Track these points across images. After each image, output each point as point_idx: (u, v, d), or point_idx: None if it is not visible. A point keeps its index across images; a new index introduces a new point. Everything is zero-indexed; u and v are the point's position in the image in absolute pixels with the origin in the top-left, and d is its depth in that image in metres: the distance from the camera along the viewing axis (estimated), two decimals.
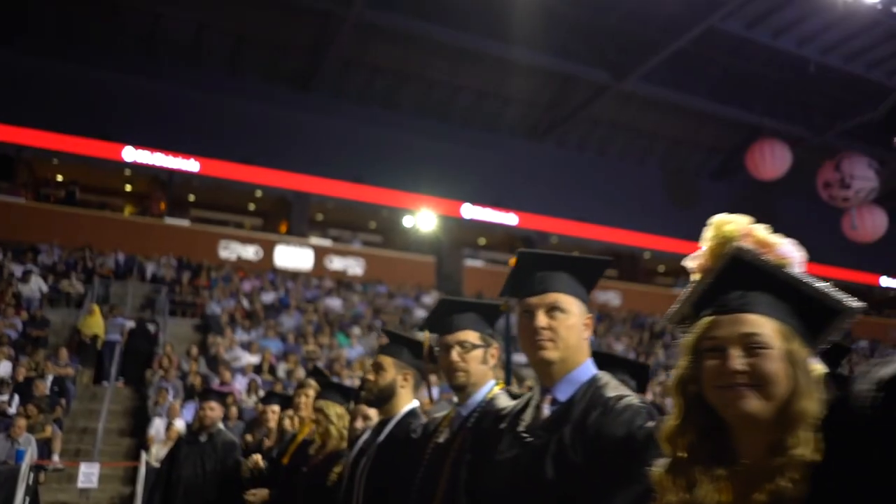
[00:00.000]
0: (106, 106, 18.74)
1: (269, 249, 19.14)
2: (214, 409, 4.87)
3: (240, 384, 11.16)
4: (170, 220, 18.58)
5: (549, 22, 18.11)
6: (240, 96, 20.21)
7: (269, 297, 16.16)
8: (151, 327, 13.24)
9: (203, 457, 4.67)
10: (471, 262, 22.17)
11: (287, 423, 4.04)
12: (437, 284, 20.37)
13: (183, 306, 15.34)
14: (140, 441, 10.14)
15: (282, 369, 12.20)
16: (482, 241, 24.76)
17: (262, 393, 10.74)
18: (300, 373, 11.96)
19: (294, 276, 18.28)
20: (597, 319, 20.18)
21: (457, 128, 22.60)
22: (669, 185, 25.77)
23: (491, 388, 2.23)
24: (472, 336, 2.23)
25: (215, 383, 11.15)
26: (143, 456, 9.03)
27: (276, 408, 4.67)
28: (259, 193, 20.72)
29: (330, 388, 3.37)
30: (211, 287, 16.09)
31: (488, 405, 2.13)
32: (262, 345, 12.88)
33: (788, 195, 26.77)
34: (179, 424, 9.59)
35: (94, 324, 12.43)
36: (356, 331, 14.78)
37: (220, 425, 5.03)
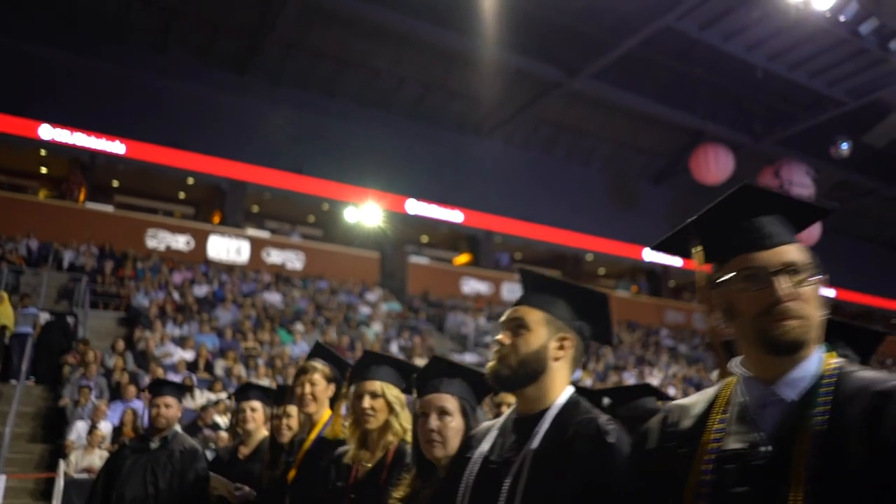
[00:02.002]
0: (21, 79, 17.07)
1: (201, 240, 17.82)
2: (170, 407, 3.82)
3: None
4: (91, 206, 17.01)
5: (501, 14, 17.59)
6: (172, 77, 18.84)
7: (201, 290, 14.95)
8: (70, 320, 11.88)
9: (155, 469, 3.66)
10: (415, 259, 21.41)
11: (285, 423, 3.14)
12: (381, 281, 19.50)
13: (105, 298, 13.97)
14: (55, 448, 8.89)
15: (219, 366, 11.12)
16: (425, 238, 24.04)
17: (199, 393, 9.69)
18: (239, 370, 10.95)
19: (229, 268, 17.05)
20: None
21: (401, 120, 21.83)
22: (612, 188, 25.78)
23: None
24: None
25: (145, 381, 9.98)
26: (61, 465, 7.85)
27: (257, 404, 3.65)
28: (191, 181, 19.32)
29: (377, 363, 2.44)
30: (137, 278, 14.74)
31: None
32: (198, 340, 11.74)
33: None
34: (105, 428, 8.44)
35: (2, 314, 10.99)
36: (299, 327, 13.79)
37: (178, 427, 4.03)
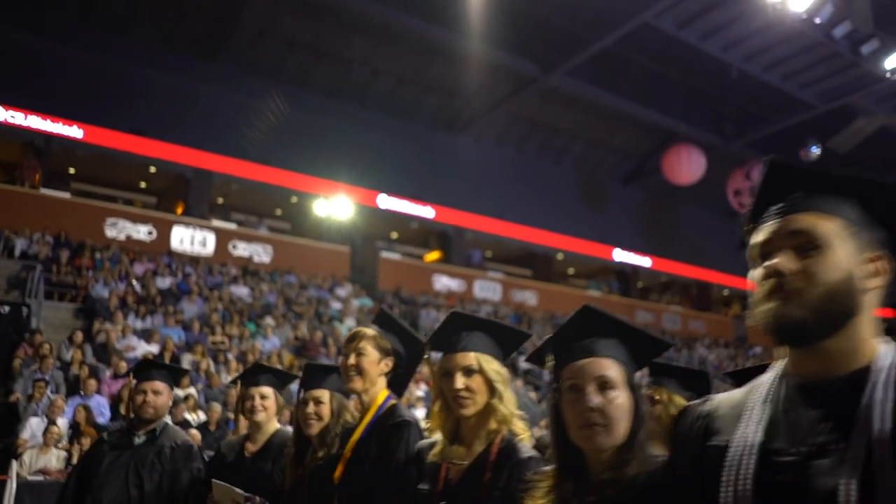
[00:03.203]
0: None
1: (164, 230, 17.01)
2: (160, 393, 3.21)
3: None
4: (46, 192, 16.09)
5: (479, 7, 17.25)
6: (135, 60, 18.00)
7: (164, 281, 14.22)
8: (23, 310, 11.10)
9: (140, 469, 3.07)
10: (387, 255, 20.91)
11: (313, 411, 2.59)
12: (351, 276, 18.95)
13: (61, 288, 13.16)
14: (6, 447, 8.18)
15: (187, 360, 10.48)
16: (394, 234, 23.56)
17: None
18: (208, 364, 10.36)
19: (194, 260, 16.32)
20: (515, 319, 19.54)
21: (374, 113, 21.33)
22: (583, 187, 25.70)
23: None
24: None
25: (106, 375, 9.34)
26: (14, 466, 7.18)
27: (268, 390, 3.07)
28: (153, 169, 18.48)
29: (469, 329, 1.92)
30: (95, 268, 13.95)
31: None
32: (163, 333, 11.07)
33: (691, 203, 27.45)
34: (62, 424, 7.80)
35: None
36: (269, 321, 13.19)
37: (168, 419, 3.44)
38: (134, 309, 12.15)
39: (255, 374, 3.19)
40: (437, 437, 1.97)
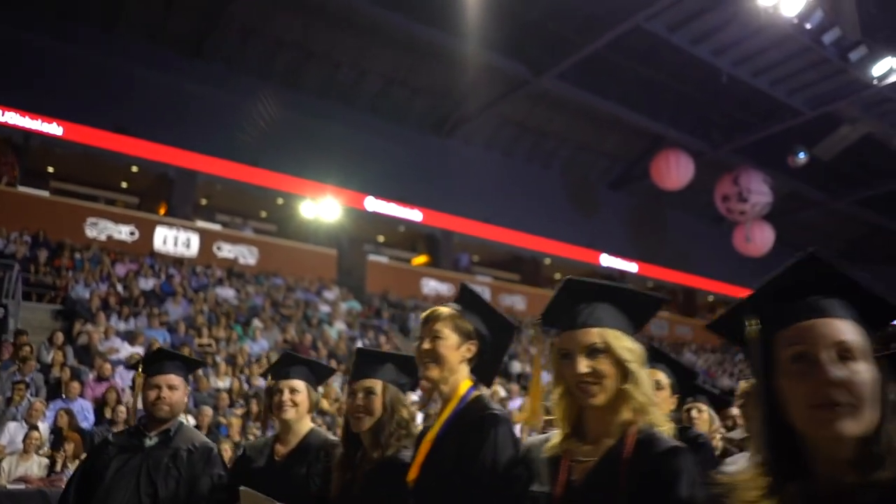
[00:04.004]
0: None
1: (147, 231, 16.56)
2: (175, 389, 2.85)
3: (123, 379, 9.00)
4: (24, 190, 15.58)
5: (470, 8, 17.07)
6: (118, 56, 17.54)
7: (147, 283, 13.79)
8: None
9: (153, 475, 2.70)
10: (374, 258, 20.59)
11: (362, 404, 2.29)
12: (338, 279, 18.61)
13: (39, 288, 12.68)
14: None
15: None
16: (381, 238, 23.25)
17: (130, 399, 8.68)
18: None
19: (177, 262, 15.88)
20: None
21: (362, 115, 21.04)
22: (571, 192, 25.61)
23: None
24: None
25: (89, 378, 8.94)
26: None
27: (300, 384, 2.72)
28: (135, 169, 18.00)
29: (593, 300, 1.63)
30: (75, 268, 13.49)
31: None
32: (148, 335, 10.68)
33: (678, 209, 27.48)
34: (43, 429, 7.40)
35: None
36: (257, 323, 12.83)
37: (183, 419, 3.07)
38: (116, 310, 11.73)
39: (285, 365, 2.84)
40: (546, 433, 1.69)
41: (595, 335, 1.58)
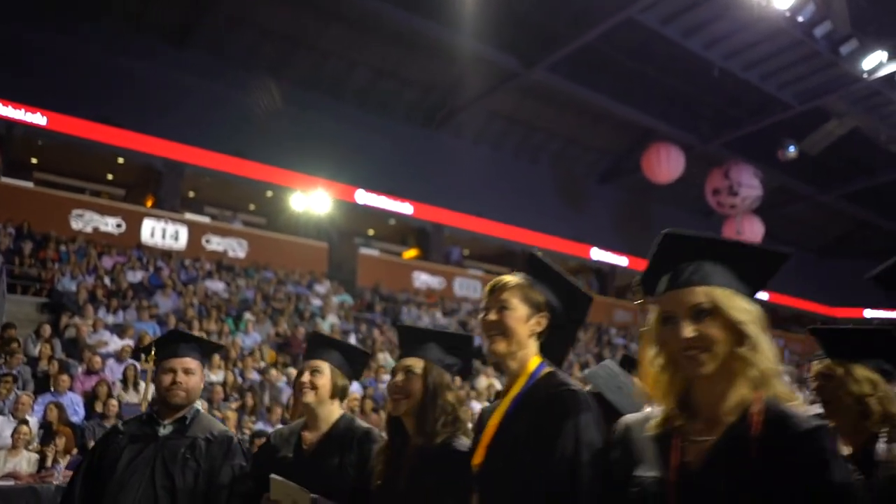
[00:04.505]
0: None
1: (134, 223, 16.27)
2: (192, 373, 2.65)
3: (114, 372, 8.79)
4: (7, 181, 15.23)
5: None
6: (103, 45, 17.20)
7: (135, 275, 13.54)
8: None
9: (169, 466, 2.51)
10: (366, 251, 20.40)
11: (401, 384, 2.12)
12: (328, 272, 18.41)
13: (24, 281, 12.40)
14: None
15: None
16: (371, 231, 23.06)
17: (143, 384, 8.49)
18: None
19: (165, 254, 15.62)
20: None
21: (351, 107, 20.81)
22: (560, 185, 25.55)
23: None
24: None
25: (78, 372, 8.72)
26: None
27: (323, 365, 2.53)
28: (121, 160, 17.67)
29: (701, 257, 1.44)
30: (61, 261, 13.21)
31: None
32: (137, 328, 10.45)
33: (667, 202, 27.49)
34: (32, 424, 7.18)
35: None
36: (248, 317, 12.62)
37: (199, 405, 2.82)
38: (104, 303, 11.48)
39: (314, 346, 2.67)
40: (650, 409, 1.51)
41: (701, 294, 1.39)
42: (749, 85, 20.08)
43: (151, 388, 2.79)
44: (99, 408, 7.72)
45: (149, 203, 17.82)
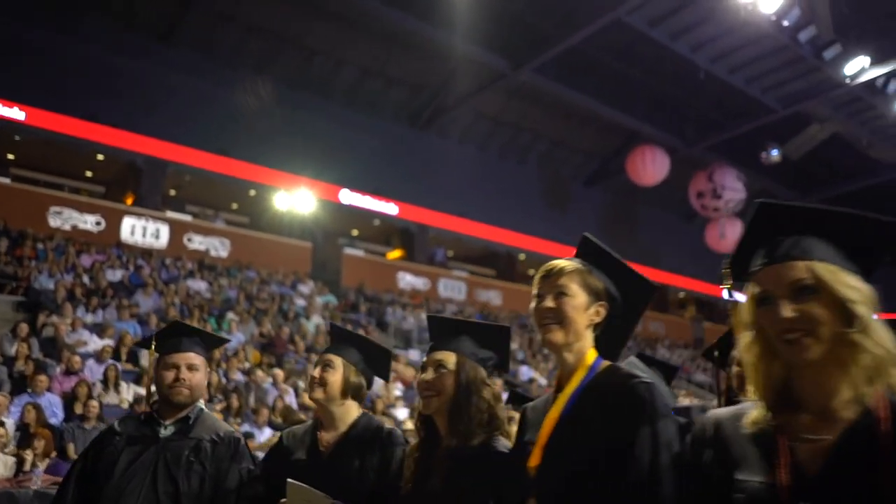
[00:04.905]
0: None
1: (114, 221, 15.96)
2: (196, 369, 2.47)
3: (93, 372, 8.54)
4: None
5: None
6: (84, 40, 16.85)
7: (115, 274, 13.25)
8: None
9: (172, 469, 2.32)
10: (350, 251, 20.19)
11: (446, 380, 1.94)
12: (312, 272, 18.19)
13: (0, 279, 12.06)
14: None
15: (145, 356, 9.63)
16: (355, 232, 22.85)
17: (125, 384, 8.29)
18: None
19: (146, 253, 15.33)
20: (480, 319, 19.13)
21: (337, 106, 20.59)
22: (546, 187, 25.52)
23: None
24: None
25: (57, 372, 8.46)
26: None
27: (336, 360, 2.38)
28: (101, 157, 17.33)
29: (800, 231, 1.28)
30: (38, 259, 12.89)
31: None
32: (118, 327, 10.20)
33: (651, 205, 27.59)
34: (9, 426, 6.93)
35: None
36: (231, 317, 12.39)
37: (202, 404, 2.59)
38: (83, 302, 11.20)
39: (334, 339, 2.50)
40: (752, 398, 1.32)
41: (802, 269, 1.22)
42: (734, 88, 20.17)
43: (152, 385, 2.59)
44: (79, 409, 7.48)
45: (129, 201, 17.49)
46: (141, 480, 2.31)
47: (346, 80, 20.59)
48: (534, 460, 1.62)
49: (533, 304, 1.73)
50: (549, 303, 1.68)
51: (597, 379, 1.64)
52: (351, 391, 2.38)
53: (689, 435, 1.42)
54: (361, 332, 14.06)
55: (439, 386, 1.97)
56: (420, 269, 20.98)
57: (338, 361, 2.40)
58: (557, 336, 1.66)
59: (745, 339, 1.30)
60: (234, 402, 8.54)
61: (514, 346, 16.53)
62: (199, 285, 14.09)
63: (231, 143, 18.20)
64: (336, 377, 2.37)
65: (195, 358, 2.51)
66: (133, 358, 9.55)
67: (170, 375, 2.46)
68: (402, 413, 9.81)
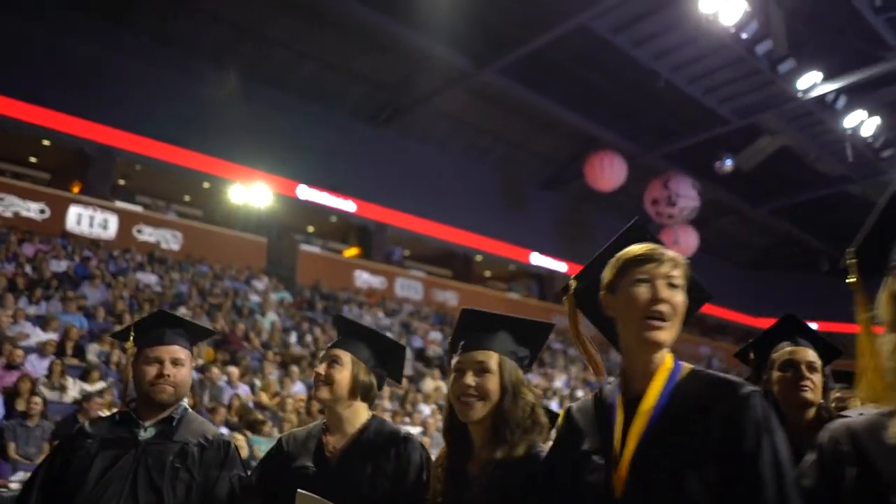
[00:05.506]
0: None
1: (59, 210, 15.26)
2: (181, 364, 2.26)
3: (36, 367, 8.08)
4: None
5: None
6: (33, 21, 16.07)
7: (60, 265, 12.64)
8: None
9: (155, 477, 2.08)
10: (306, 248, 19.80)
11: (491, 382, 1.78)
12: (267, 268, 17.76)
13: None
14: None
15: (93, 351, 9.20)
16: (311, 228, 22.45)
17: (71, 380, 7.87)
18: (119, 357, 9.14)
19: (93, 244, 14.71)
20: (437, 320, 19.02)
21: (296, 99, 20.18)
22: (504, 190, 25.56)
23: None
24: None
25: None
26: None
27: (345, 356, 2.19)
28: (47, 142, 16.57)
29: None
30: None
31: None
32: (64, 320, 9.70)
33: (606, 210, 27.92)
34: None
35: None
36: (183, 312, 11.94)
37: (186, 404, 2.37)
38: (25, 292, 10.64)
39: (340, 330, 2.31)
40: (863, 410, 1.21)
41: None
42: (691, 98, 20.52)
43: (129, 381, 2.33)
44: (21, 406, 7.06)
45: (76, 189, 16.77)
46: (119, 489, 2.06)
47: (307, 74, 20.20)
48: (621, 475, 1.44)
49: (644, 295, 1.49)
50: (665, 293, 1.49)
51: (684, 385, 1.48)
52: (360, 391, 2.18)
53: (817, 449, 1.28)
54: (319, 330, 13.82)
55: (484, 390, 1.79)
56: (377, 267, 20.74)
57: (346, 357, 2.19)
58: (671, 334, 1.48)
59: (880, 339, 1.16)
60: (189, 402, 8.19)
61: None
62: (149, 278, 13.58)
63: (185, 133, 17.64)
64: (344, 375, 2.17)
65: (180, 351, 2.29)
66: (80, 352, 9.09)
67: (152, 371, 2.22)
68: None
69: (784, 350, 2.27)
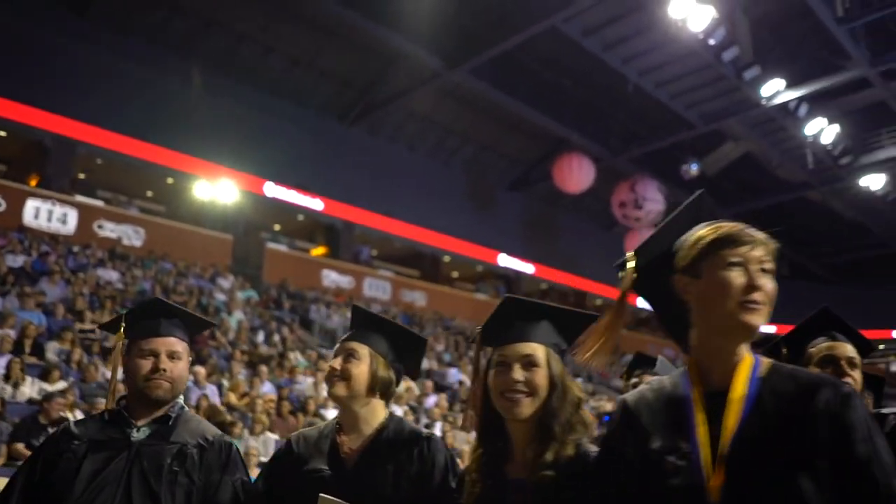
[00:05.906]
0: None
1: (15, 203, 14.73)
2: (178, 358, 2.07)
3: None
4: None
5: None
6: None
7: (16, 260, 12.20)
8: None
9: (151, 480, 1.90)
10: (273, 246, 19.48)
11: (539, 376, 1.65)
12: (232, 266, 17.42)
13: None
14: None
15: (52, 349, 8.86)
16: (277, 227, 22.11)
17: (30, 379, 7.56)
18: (80, 355, 8.83)
19: (52, 238, 14.23)
20: (405, 320, 18.88)
21: (264, 96, 19.84)
22: (471, 190, 25.55)
23: None
24: None
25: None
26: None
27: (362, 349, 2.03)
28: (3, 133, 16.00)
29: None
30: None
31: None
32: (21, 316, 9.34)
33: (572, 212, 28.13)
34: None
35: None
36: None
37: (181, 401, 2.16)
38: None
39: (355, 322, 2.15)
40: None
41: None
42: (659, 103, 20.78)
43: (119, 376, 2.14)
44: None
45: (33, 182, 16.21)
46: (111, 495, 1.88)
47: (275, 69, 19.90)
48: (716, 480, 1.31)
49: (738, 281, 1.39)
50: (763, 279, 1.39)
51: (770, 380, 1.38)
52: (379, 387, 2.04)
53: None
54: (286, 329, 13.58)
55: (533, 385, 1.66)
56: (345, 266, 20.52)
57: (364, 351, 2.05)
58: (762, 319, 1.39)
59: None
60: None
61: (440, 347, 16.37)
62: (110, 275, 13.18)
63: (149, 127, 17.20)
64: (362, 370, 2.02)
65: (177, 344, 2.10)
66: (38, 350, 8.75)
67: (146, 365, 2.04)
68: (332, 414, 9.42)
69: (822, 345, 2.21)
